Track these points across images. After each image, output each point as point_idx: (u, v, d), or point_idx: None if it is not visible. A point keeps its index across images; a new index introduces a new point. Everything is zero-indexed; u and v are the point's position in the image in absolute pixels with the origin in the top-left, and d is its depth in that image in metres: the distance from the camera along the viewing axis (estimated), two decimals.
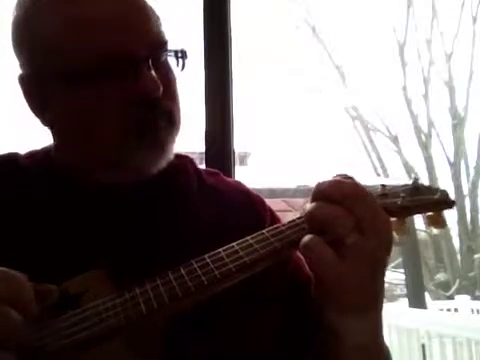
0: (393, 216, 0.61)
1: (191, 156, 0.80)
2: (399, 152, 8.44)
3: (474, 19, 8.23)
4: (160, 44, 0.66)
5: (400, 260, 7.89)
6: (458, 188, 8.30)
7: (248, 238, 0.58)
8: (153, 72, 0.63)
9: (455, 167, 8.41)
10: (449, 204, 0.63)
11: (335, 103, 8.49)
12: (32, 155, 0.73)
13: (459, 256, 8.47)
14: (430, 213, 0.64)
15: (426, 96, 8.44)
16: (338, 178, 0.59)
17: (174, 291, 0.54)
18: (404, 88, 8.45)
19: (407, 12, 8.28)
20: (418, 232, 7.81)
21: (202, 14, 1.45)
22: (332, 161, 8.16)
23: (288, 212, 4.65)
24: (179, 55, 0.68)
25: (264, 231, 0.58)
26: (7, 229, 0.63)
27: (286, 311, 0.67)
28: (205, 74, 1.42)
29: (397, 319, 4.45)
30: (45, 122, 0.69)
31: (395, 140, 8.50)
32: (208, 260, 0.56)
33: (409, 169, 8.53)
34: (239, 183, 0.81)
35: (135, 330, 0.53)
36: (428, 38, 8.38)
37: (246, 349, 0.63)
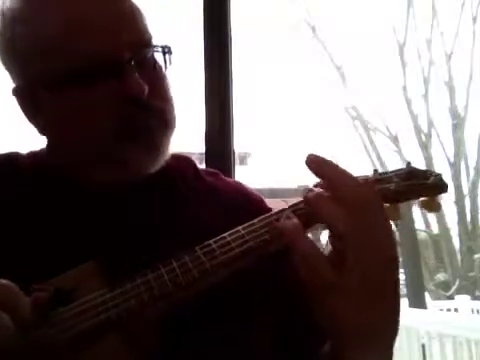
0: (387, 202, 0.60)
1: (191, 156, 0.80)
2: (399, 152, 8.44)
3: (474, 19, 8.22)
4: (144, 43, 0.65)
5: (400, 260, 7.89)
6: (458, 188, 8.29)
7: (239, 228, 0.57)
8: (137, 73, 0.62)
9: (455, 167, 8.40)
10: (443, 188, 0.62)
11: (335, 103, 8.48)
12: (32, 155, 0.73)
13: (459, 256, 8.47)
14: (424, 198, 0.62)
15: (426, 96, 8.44)
16: (362, 181, 0.57)
17: (165, 285, 0.54)
18: (404, 88, 8.45)
19: (407, 12, 8.28)
20: (418, 232, 7.81)
21: (202, 14, 1.45)
22: (332, 161, 8.14)
23: None
24: (165, 50, 0.67)
25: (255, 220, 0.58)
26: (6, 228, 0.63)
27: (284, 310, 0.67)
28: (205, 74, 1.43)
29: None
30: (40, 130, 0.69)
31: (395, 140, 8.50)
32: (199, 252, 0.56)
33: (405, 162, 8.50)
34: (239, 183, 0.81)
35: (128, 325, 0.53)
36: (428, 38, 8.38)
37: (242, 346, 0.63)
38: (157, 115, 0.65)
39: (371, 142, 8.53)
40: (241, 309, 0.63)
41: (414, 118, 8.54)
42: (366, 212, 0.53)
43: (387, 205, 0.61)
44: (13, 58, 0.66)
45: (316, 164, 0.56)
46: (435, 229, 8.58)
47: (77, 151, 0.67)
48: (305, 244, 0.53)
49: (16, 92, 0.68)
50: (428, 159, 8.39)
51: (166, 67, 0.68)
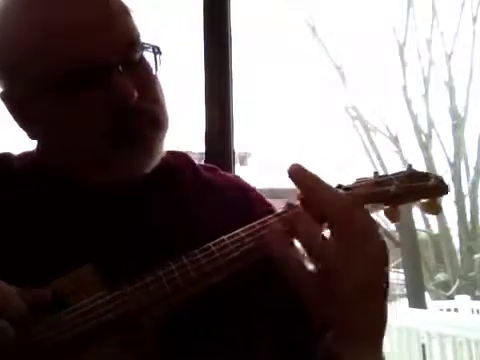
0: (387, 204, 0.60)
1: (191, 156, 0.80)
2: (399, 152, 8.43)
3: (474, 19, 8.21)
4: (131, 45, 0.63)
5: (400, 260, 7.88)
6: (458, 188, 8.28)
7: (238, 231, 0.57)
8: (125, 78, 0.60)
9: (455, 167, 8.39)
10: (443, 190, 0.62)
11: (335, 103, 8.48)
12: (24, 156, 0.73)
13: (459, 256, 8.45)
14: (425, 200, 0.62)
15: (426, 96, 8.42)
16: (337, 192, 0.56)
17: (164, 288, 0.54)
18: (404, 88, 8.44)
19: (407, 12, 8.27)
20: (418, 232, 7.80)
21: (202, 14, 1.45)
22: (332, 161, 8.15)
23: None
24: (155, 51, 0.65)
25: (255, 223, 0.58)
26: (1, 229, 0.63)
27: (283, 312, 0.67)
28: (205, 74, 1.43)
29: (397, 319, 4.45)
30: (30, 135, 0.68)
31: (395, 140, 8.48)
32: (198, 255, 0.56)
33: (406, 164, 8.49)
34: (237, 177, 0.81)
35: (126, 328, 0.53)
36: (428, 38, 8.37)
37: (241, 349, 0.63)
38: (148, 117, 0.64)
39: (371, 142, 8.52)
40: (240, 311, 0.63)
41: (414, 118, 8.52)
42: (347, 232, 0.52)
43: (387, 207, 0.61)
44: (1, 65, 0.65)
45: (298, 175, 0.55)
46: (435, 229, 8.57)
47: (68, 157, 0.66)
48: (287, 256, 0.53)
49: (4, 97, 0.67)
50: (428, 159, 8.38)
51: (156, 68, 0.66)
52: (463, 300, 6.15)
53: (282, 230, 0.54)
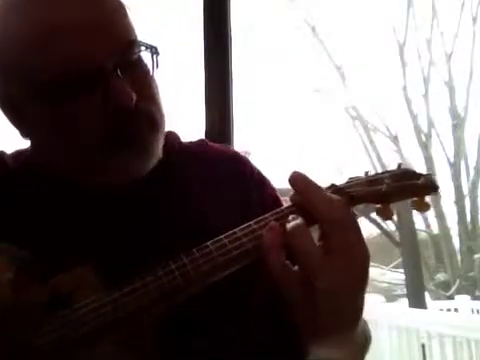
0: (378, 203, 0.61)
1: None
2: (399, 152, 8.43)
3: (474, 19, 8.21)
4: (128, 45, 0.62)
5: (400, 260, 7.88)
6: (458, 188, 8.28)
7: (236, 230, 0.58)
8: (123, 82, 0.59)
9: (455, 167, 8.39)
10: (433, 188, 0.63)
11: (335, 103, 8.48)
12: (18, 154, 0.72)
13: (459, 256, 8.45)
14: (415, 198, 0.63)
15: (426, 96, 8.42)
16: (330, 196, 0.58)
17: (164, 287, 0.54)
18: (404, 88, 8.44)
19: (407, 12, 8.27)
20: (418, 232, 7.80)
21: (202, 14, 1.45)
22: (332, 161, 8.16)
23: None
24: (152, 51, 0.64)
25: (251, 223, 0.59)
26: None
27: (281, 309, 0.67)
28: (205, 74, 1.43)
29: (397, 319, 4.45)
30: (23, 135, 0.68)
31: (395, 140, 8.48)
32: (197, 254, 0.56)
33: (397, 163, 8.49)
34: (226, 147, 0.81)
35: (126, 328, 0.54)
36: (428, 38, 8.37)
37: (240, 347, 0.63)
38: (145, 118, 0.63)
39: (371, 142, 8.52)
40: (238, 310, 0.63)
41: (414, 118, 8.52)
42: (334, 234, 0.54)
43: (378, 206, 0.62)
44: None
45: (296, 180, 0.57)
46: (435, 229, 8.57)
47: (64, 158, 0.66)
48: (275, 260, 0.55)
49: None
50: (428, 159, 8.38)
51: (154, 69, 0.66)
52: (463, 300, 6.15)
53: (278, 234, 0.56)
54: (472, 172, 8.45)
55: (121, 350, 0.53)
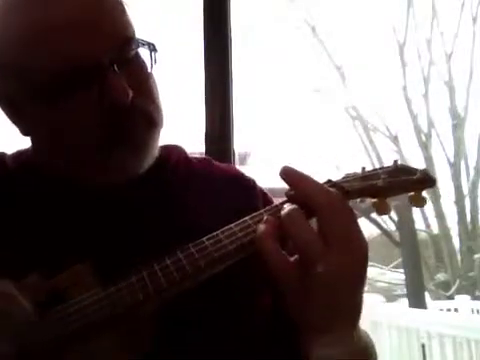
0: (374, 197, 0.62)
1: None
2: (399, 152, 8.43)
3: (474, 19, 8.21)
4: (125, 42, 0.61)
5: (400, 260, 7.88)
6: (458, 188, 8.28)
7: (232, 226, 0.58)
8: (120, 78, 0.59)
9: (455, 167, 8.39)
10: (429, 182, 0.63)
11: (335, 103, 8.48)
12: (19, 154, 0.73)
13: (459, 256, 8.45)
14: (411, 193, 0.63)
15: (426, 96, 8.42)
16: (324, 186, 0.58)
17: (159, 282, 0.54)
18: (404, 88, 8.44)
19: (407, 12, 8.27)
20: (418, 232, 7.81)
21: (202, 14, 1.45)
22: (332, 161, 8.16)
23: None
24: (150, 48, 0.64)
25: (247, 218, 0.59)
26: None
27: (277, 304, 0.67)
28: (205, 74, 1.43)
29: (397, 319, 4.45)
30: (22, 132, 0.68)
31: (395, 140, 8.49)
32: (193, 250, 0.56)
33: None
34: (231, 167, 0.81)
35: (123, 323, 0.54)
36: (428, 38, 8.37)
37: (236, 343, 0.63)
38: (142, 115, 0.63)
39: (371, 142, 8.52)
40: (235, 305, 0.63)
41: (414, 118, 8.52)
42: (333, 224, 0.54)
43: (375, 200, 0.62)
44: None
45: (288, 173, 0.58)
46: (435, 229, 8.57)
47: (62, 156, 0.66)
48: (271, 251, 0.54)
49: None
50: (428, 159, 8.38)
51: (152, 66, 0.65)
52: (463, 300, 6.14)
53: (272, 226, 0.55)
54: (472, 172, 8.45)
55: (117, 345, 0.53)
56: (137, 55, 0.64)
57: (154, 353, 0.53)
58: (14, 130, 0.69)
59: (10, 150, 0.74)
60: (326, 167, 8.01)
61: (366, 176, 0.64)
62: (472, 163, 8.43)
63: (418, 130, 8.51)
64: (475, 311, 5.91)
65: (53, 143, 0.65)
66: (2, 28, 0.62)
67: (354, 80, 8.37)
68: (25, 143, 0.72)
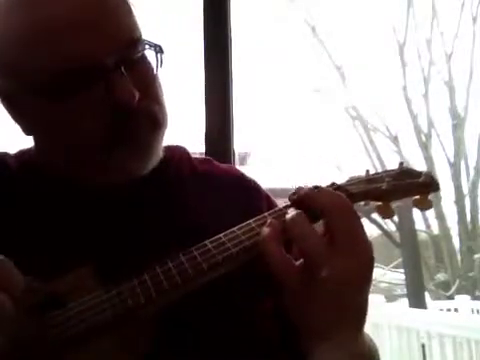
0: (379, 200, 0.62)
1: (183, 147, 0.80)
2: (399, 152, 8.42)
3: (474, 19, 8.21)
4: (131, 43, 0.61)
5: (400, 260, 7.88)
6: (458, 188, 8.28)
7: (235, 229, 0.58)
8: (126, 79, 0.58)
9: (455, 167, 8.39)
10: (434, 186, 0.63)
11: (335, 103, 8.48)
12: (21, 154, 0.72)
13: (459, 256, 8.45)
14: (416, 196, 0.62)
15: (426, 96, 8.42)
16: (327, 188, 0.58)
17: (161, 285, 0.54)
18: (404, 88, 8.44)
19: (407, 12, 8.27)
20: (418, 232, 7.80)
21: (202, 14, 1.45)
22: (332, 161, 8.16)
23: None
24: (156, 50, 0.64)
25: (250, 221, 0.59)
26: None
27: (280, 308, 0.67)
28: (205, 74, 1.43)
29: (397, 319, 4.45)
30: (25, 132, 0.68)
31: (395, 140, 8.48)
32: (195, 253, 0.56)
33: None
34: (232, 168, 0.81)
35: (123, 326, 0.53)
36: (428, 38, 8.37)
37: (238, 346, 0.63)
38: (147, 117, 0.63)
39: (371, 142, 8.52)
40: (237, 309, 0.63)
41: (414, 118, 8.52)
42: (340, 227, 0.53)
43: (379, 203, 0.62)
44: None
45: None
46: (435, 229, 8.57)
47: (65, 157, 0.66)
48: (275, 254, 0.54)
49: None
50: (428, 159, 8.38)
51: (158, 67, 0.65)
52: (463, 300, 6.14)
53: (277, 229, 0.55)
54: (472, 172, 8.45)
55: (117, 347, 0.53)
56: (143, 57, 0.64)
57: (154, 355, 0.53)
58: (16, 129, 0.69)
59: (13, 150, 0.74)
60: (326, 167, 8.01)
61: (370, 179, 0.64)
62: (472, 163, 8.43)
63: (418, 130, 8.51)
64: (475, 311, 5.91)
65: (55, 143, 0.65)
66: (5, 27, 0.61)
67: (354, 80, 8.37)
68: (27, 142, 0.72)
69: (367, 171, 0.65)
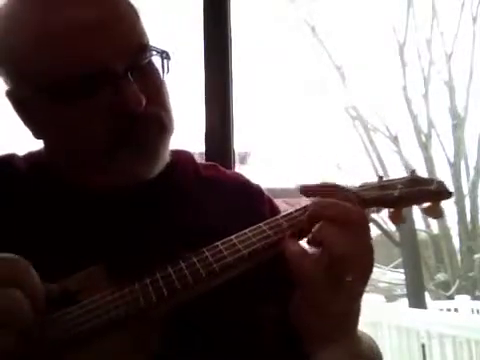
0: (390, 207, 0.62)
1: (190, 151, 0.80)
2: (399, 152, 8.43)
3: (474, 19, 8.21)
4: (140, 50, 0.62)
5: (400, 260, 7.89)
6: (458, 188, 8.28)
7: (246, 231, 0.58)
8: (134, 85, 0.59)
9: (455, 167, 8.40)
10: (446, 194, 0.64)
11: (335, 103, 8.48)
12: (29, 156, 0.73)
13: (459, 256, 8.46)
14: (428, 204, 0.63)
15: (426, 96, 8.43)
16: (342, 201, 0.59)
17: (173, 285, 0.54)
18: (404, 88, 8.44)
19: (407, 12, 8.27)
20: (418, 232, 7.81)
21: (202, 14, 1.45)
22: (332, 161, 8.16)
23: None
24: (163, 56, 0.64)
25: (261, 224, 0.59)
26: (5, 230, 0.63)
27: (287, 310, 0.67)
28: (205, 74, 1.43)
29: (397, 319, 4.45)
30: (34, 135, 0.68)
31: (395, 140, 8.49)
32: (207, 253, 0.56)
33: (409, 169, 8.49)
34: (238, 174, 0.82)
35: (134, 325, 0.54)
36: (428, 38, 8.37)
37: (246, 347, 0.63)
38: (153, 122, 0.63)
39: (371, 142, 8.52)
40: (247, 311, 0.63)
41: (414, 118, 8.53)
42: (356, 230, 0.55)
43: (391, 210, 0.62)
44: (4, 66, 0.65)
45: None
46: (435, 229, 8.58)
47: (72, 160, 0.66)
48: (294, 247, 0.56)
49: (9, 95, 0.67)
50: (428, 159, 8.38)
51: (164, 73, 0.65)
52: (463, 300, 6.15)
53: (290, 231, 0.56)
54: (472, 172, 8.46)
55: (126, 346, 0.53)
56: (150, 63, 0.65)
57: (164, 355, 0.53)
58: (24, 131, 0.69)
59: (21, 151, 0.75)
60: (326, 167, 8.02)
61: (383, 186, 0.65)
62: (472, 163, 8.44)
63: (418, 130, 8.51)
64: (475, 311, 5.92)
65: (62, 146, 0.66)
66: (18, 29, 0.62)
67: (354, 80, 8.37)
68: (35, 145, 0.73)
69: (380, 177, 0.66)
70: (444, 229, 8.44)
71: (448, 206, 8.03)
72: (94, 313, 0.53)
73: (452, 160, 8.43)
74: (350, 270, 0.53)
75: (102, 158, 0.63)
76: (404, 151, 8.42)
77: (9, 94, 0.67)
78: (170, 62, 0.66)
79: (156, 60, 0.66)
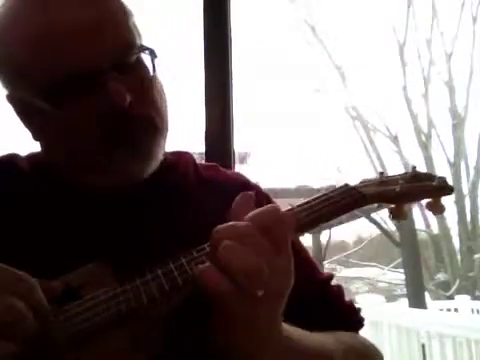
0: (392, 203, 0.61)
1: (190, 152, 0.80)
2: (399, 152, 8.44)
3: (474, 19, 8.23)
4: (126, 48, 0.62)
5: (400, 260, 7.90)
6: (458, 188, 8.29)
7: None
8: (118, 83, 0.59)
9: (455, 167, 8.41)
10: (447, 190, 0.63)
11: (335, 103, 8.49)
12: (31, 156, 0.73)
13: (459, 256, 8.47)
14: (429, 199, 0.63)
15: (426, 96, 8.44)
16: (272, 207, 0.56)
17: (175, 281, 0.54)
18: (404, 88, 8.45)
19: (407, 12, 8.29)
20: (418, 232, 7.82)
21: (202, 14, 1.45)
22: (332, 161, 8.17)
23: None
24: (151, 54, 0.64)
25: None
26: (6, 229, 0.63)
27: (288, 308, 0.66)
28: (205, 74, 1.43)
29: (397, 319, 4.45)
30: (33, 136, 0.68)
31: (395, 140, 8.50)
32: (208, 248, 0.56)
33: (409, 169, 8.49)
34: (238, 174, 0.81)
35: (136, 321, 0.53)
36: (428, 38, 8.39)
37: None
38: (142, 122, 0.63)
39: (371, 142, 8.53)
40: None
41: (414, 118, 8.54)
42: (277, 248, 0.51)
43: (392, 206, 0.62)
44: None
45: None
46: (435, 229, 8.59)
47: (66, 160, 0.66)
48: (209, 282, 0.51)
49: (9, 99, 0.67)
50: (428, 159, 8.40)
51: (154, 71, 0.65)
52: (463, 300, 6.15)
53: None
54: (472, 172, 8.47)
55: (127, 345, 0.53)
56: (139, 61, 0.64)
57: (164, 355, 0.53)
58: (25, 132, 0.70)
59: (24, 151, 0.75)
60: (326, 167, 8.02)
61: (384, 181, 0.64)
62: (472, 163, 8.45)
63: (418, 130, 8.53)
64: (475, 311, 5.92)
65: (60, 147, 0.66)
66: (7, 34, 0.62)
67: (354, 80, 8.38)
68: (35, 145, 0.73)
69: (381, 173, 0.65)
70: (444, 229, 8.46)
71: (448, 206, 8.05)
72: (97, 308, 0.53)
73: (452, 160, 8.44)
74: (257, 285, 0.49)
75: (99, 158, 0.63)
76: (404, 151, 8.44)
77: (10, 98, 0.67)
78: (158, 60, 0.65)
79: (146, 58, 0.65)
